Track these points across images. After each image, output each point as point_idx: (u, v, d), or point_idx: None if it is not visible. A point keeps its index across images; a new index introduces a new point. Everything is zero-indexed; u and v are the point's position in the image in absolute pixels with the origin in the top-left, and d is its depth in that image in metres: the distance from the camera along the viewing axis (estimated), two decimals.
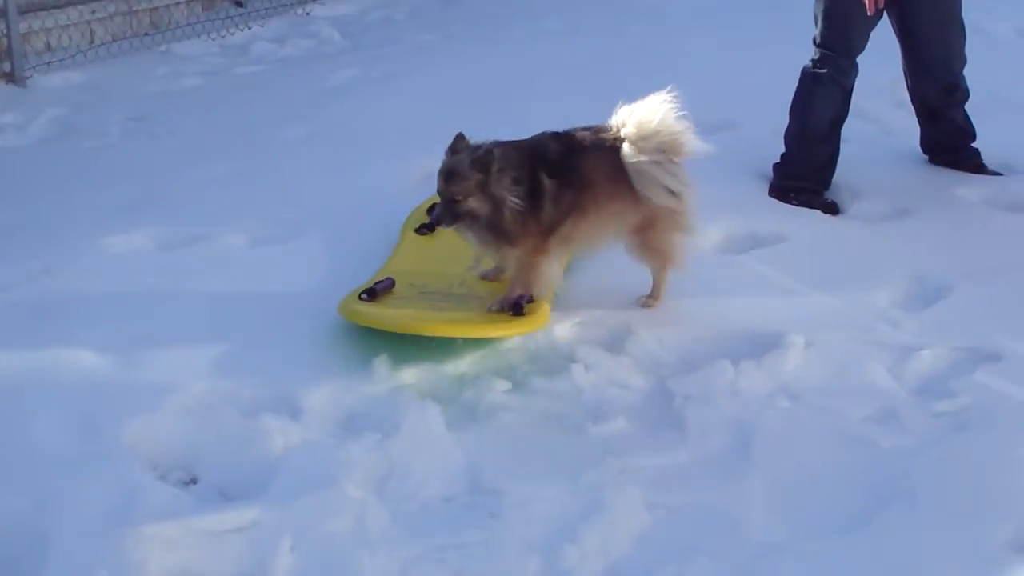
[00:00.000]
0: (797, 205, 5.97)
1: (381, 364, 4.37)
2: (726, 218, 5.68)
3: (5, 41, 8.93)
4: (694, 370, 4.46)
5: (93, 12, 10.21)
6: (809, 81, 6.03)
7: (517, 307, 4.67)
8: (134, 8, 10.67)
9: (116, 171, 6.84)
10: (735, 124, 6.87)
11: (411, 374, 4.38)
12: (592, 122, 4.95)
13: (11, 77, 8.82)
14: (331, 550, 3.47)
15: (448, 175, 4.69)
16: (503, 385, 4.34)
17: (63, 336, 4.65)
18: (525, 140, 4.93)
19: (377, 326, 4.60)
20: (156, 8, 11.00)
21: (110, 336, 4.61)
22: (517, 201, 4.67)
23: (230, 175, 6.58)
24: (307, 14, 11.69)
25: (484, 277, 5.08)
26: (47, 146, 7.64)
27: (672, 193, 4.79)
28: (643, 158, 4.72)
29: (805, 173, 6.06)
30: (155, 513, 3.57)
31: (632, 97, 4.87)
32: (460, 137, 4.83)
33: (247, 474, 3.82)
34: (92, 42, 10.17)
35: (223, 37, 10.71)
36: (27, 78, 8.90)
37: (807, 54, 6.07)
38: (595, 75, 8.37)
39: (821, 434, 4.10)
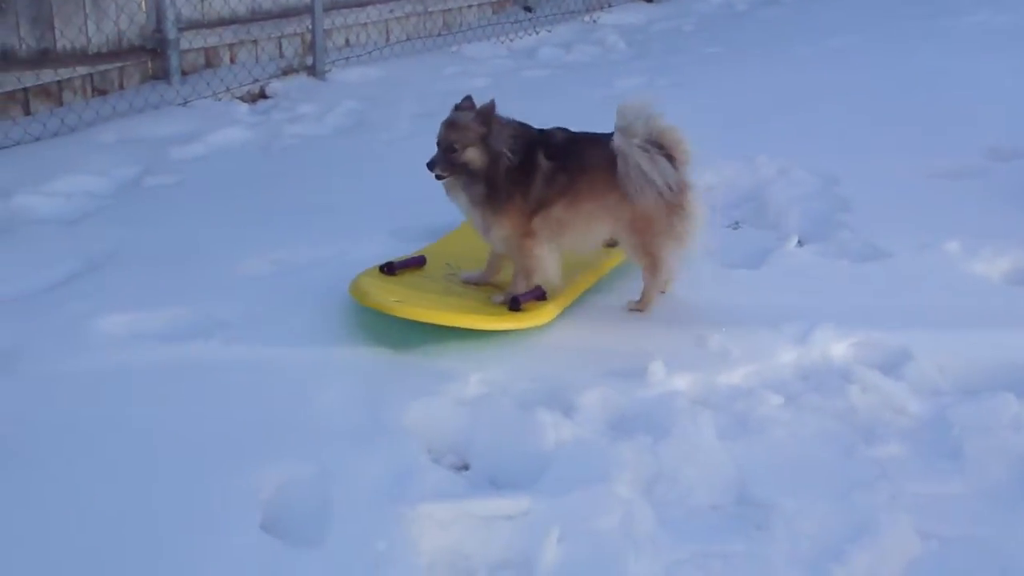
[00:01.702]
0: None
1: (656, 368, 4.38)
2: (1015, 249, 5.48)
3: (309, 36, 9.37)
4: (974, 400, 4.31)
5: (391, 11, 10.61)
6: None
7: (515, 303, 4.74)
8: (429, 9, 11.03)
9: (403, 164, 7.05)
10: None
11: (684, 380, 4.38)
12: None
13: (312, 70, 9.25)
14: (597, 546, 3.50)
15: (450, 124, 4.82)
16: (776, 399, 4.29)
17: (352, 317, 4.86)
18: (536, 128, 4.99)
19: (364, 303, 4.71)
20: (449, 10, 11.34)
21: (393, 321, 4.78)
22: (511, 156, 4.75)
23: None
24: (594, 21, 11.82)
25: (467, 281, 5.12)
26: (342, 136, 8.00)
27: (655, 187, 4.74)
28: (633, 143, 4.75)
29: None
30: (429, 494, 3.68)
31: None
32: (468, 98, 4.92)
33: (518, 465, 3.90)
34: (388, 40, 10.58)
35: (511, 40, 10.94)
36: (327, 72, 9.32)
37: None
38: (879, 96, 8.22)
39: None
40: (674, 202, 4.83)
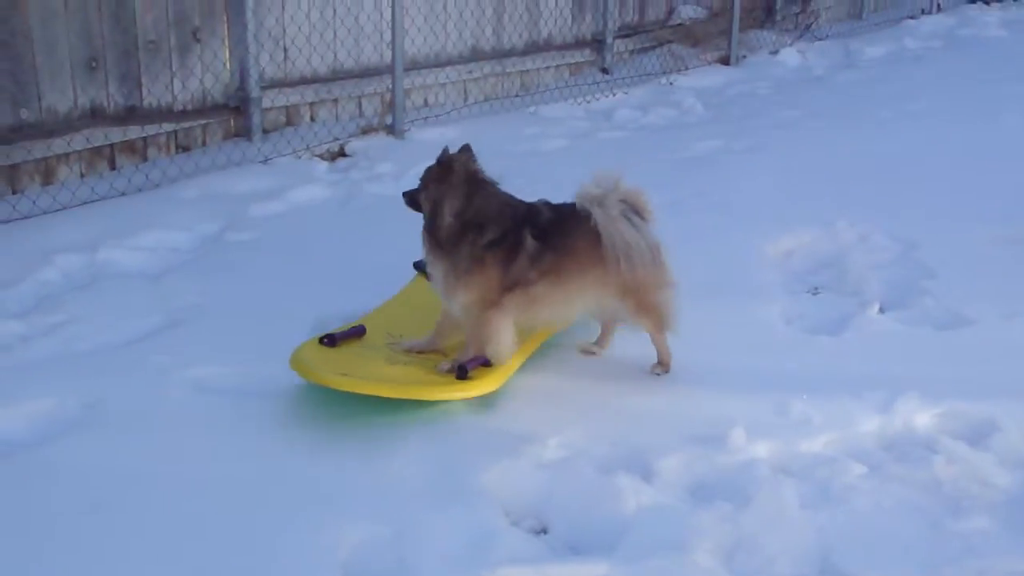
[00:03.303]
0: None
1: (737, 434, 4.34)
2: None
3: (389, 96, 9.48)
4: None
5: (469, 72, 10.72)
6: None
7: (462, 371, 4.63)
8: (507, 70, 11.13)
9: None
10: None
11: (765, 447, 4.34)
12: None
13: (391, 130, 9.34)
14: None
15: (436, 171, 4.85)
16: (858, 468, 4.23)
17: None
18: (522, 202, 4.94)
19: (307, 378, 4.63)
20: (527, 71, 11.44)
21: None
22: (450, 219, 4.71)
23: None
24: (670, 84, 11.87)
25: (410, 349, 5.02)
26: None
27: (644, 254, 4.76)
28: (612, 215, 4.74)
29: None
30: (508, 557, 3.66)
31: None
32: (467, 147, 4.91)
33: (597, 529, 3.87)
34: (466, 100, 10.67)
35: (588, 102, 11.00)
36: (405, 131, 9.40)
37: None
38: (959, 161, 8.17)
39: None
40: (656, 260, 4.88)
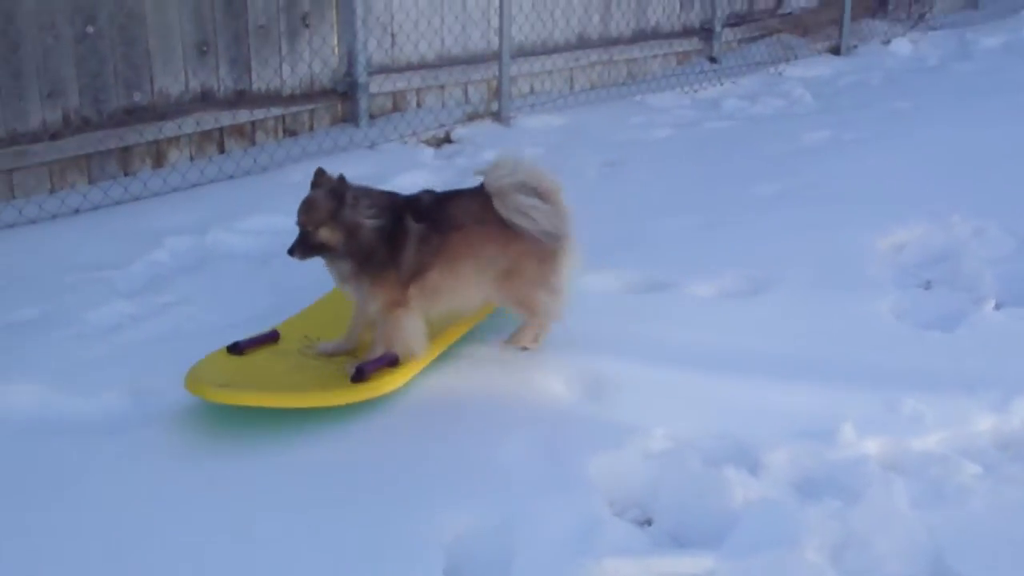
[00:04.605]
0: None
1: (847, 430, 4.25)
2: None
3: (495, 83, 9.48)
4: None
5: (576, 59, 10.69)
6: None
7: (359, 373, 4.50)
8: (614, 58, 11.07)
9: (588, 212, 7.04)
10: None
11: (876, 444, 4.23)
12: None
13: (497, 116, 9.34)
14: None
15: (304, 206, 4.67)
16: (972, 468, 4.10)
17: (535, 364, 4.87)
18: (404, 194, 4.87)
19: (191, 391, 4.43)
20: (634, 59, 11.37)
21: (578, 370, 4.77)
22: (374, 222, 4.60)
23: (699, 225, 6.67)
24: (779, 73, 11.72)
25: (322, 352, 4.91)
26: None
27: (536, 223, 4.68)
28: (506, 181, 4.66)
29: None
30: (612, 548, 3.62)
31: None
32: (320, 172, 4.74)
33: (703, 522, 3.81)
34: (572, 88, 10.63)
35: (695, 91, 10.91)
36: (511, 118, 9.39)
37: None
38: None
39: None
40: (549, 250, 4.78)
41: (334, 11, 8.72)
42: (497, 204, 4.69)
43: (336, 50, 8.81)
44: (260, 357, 4.82)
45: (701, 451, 4.17)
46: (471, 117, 9.30)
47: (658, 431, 4.31)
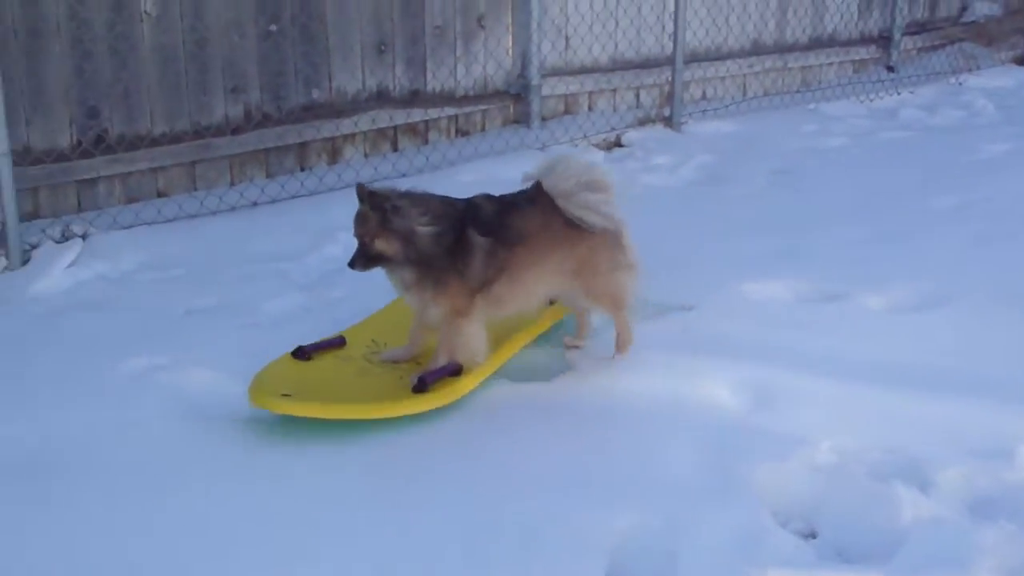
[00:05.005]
0: None
1: (1023, 451, 4.12)
2: None
3: (668, 88, 9.45)
4: None
5: (750, 66, 10.59)
6: None
7: (421, 384, 4.44)
8: (789, 65, 10.94)
9: (759, 220, 6.99)
10: None
11: None
12: None
13: (669, 121, 9.31)
14: None
15: (357, 219, 4.62)
16: None
17: (702, 371, 4.83)
18: (460, 199, 4.78)
19: (253, 404, 4.39)
20: (809, 67, 11.22)
21: (745, 379, 4.73)
22: (429, 229, 4.54)
23: (873, 237, 6.54)
24: (960, 84, 11.43)
25: (386, 359, 4.85)
26: (694, 189, 7.99)
27: (607, 217, 4.70)
28: (572, 183, 4.69)
29: None
30: (776, 559, 3.58)
31: None
32: (360, 186, 4.63)
33: (869, 539, 3.73)
34: (745, 94, 10.54)
35: (871, 100, 10.71)
36: (683, 124, 9.35)
37: None
38: None
39: None
40: (612, 236, 4.79)
41: (509, 13, 8.80)
42: (562, 204, 4.71)
43: (510, 52, 8.89)
44: (324, 363, 4.84)
45: (868, 465, 4.09)
46: (642, 122, 9.29)
47: (824, 443, 4.23)
